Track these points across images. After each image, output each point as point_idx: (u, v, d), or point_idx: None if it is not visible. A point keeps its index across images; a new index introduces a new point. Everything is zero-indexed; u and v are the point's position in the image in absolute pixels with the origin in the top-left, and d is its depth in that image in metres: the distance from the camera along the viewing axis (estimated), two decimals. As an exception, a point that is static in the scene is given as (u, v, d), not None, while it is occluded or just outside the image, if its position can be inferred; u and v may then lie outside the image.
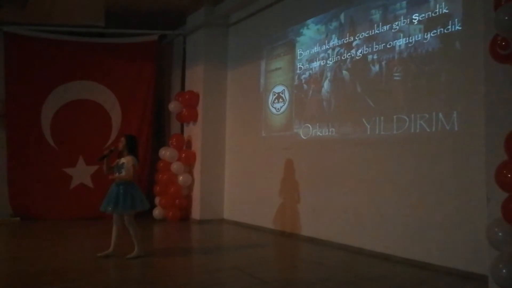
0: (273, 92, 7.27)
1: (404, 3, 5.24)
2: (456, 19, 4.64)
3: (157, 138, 9.18)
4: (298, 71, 6.78)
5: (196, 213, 8.17)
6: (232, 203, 8.12)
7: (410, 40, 5.11)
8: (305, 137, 6.53)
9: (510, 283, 3.20)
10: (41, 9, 7.16)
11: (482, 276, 3.92)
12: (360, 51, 5.74)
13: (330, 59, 6.21)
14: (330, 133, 6.11)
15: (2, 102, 8.12)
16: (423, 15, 4.99)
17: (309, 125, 6.46)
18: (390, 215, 5.12)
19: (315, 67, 6.46)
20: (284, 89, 7.06)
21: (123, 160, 5.04)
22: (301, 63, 6.74)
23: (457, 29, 4.63)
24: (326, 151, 6.14)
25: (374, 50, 5.54)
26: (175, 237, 7.07)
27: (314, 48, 6.49)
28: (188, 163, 8.28)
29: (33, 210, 7.92)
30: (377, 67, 5.49)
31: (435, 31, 4.84)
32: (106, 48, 8.68)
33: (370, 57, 5.59)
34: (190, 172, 8.29)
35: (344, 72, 5.97)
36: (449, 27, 4.70)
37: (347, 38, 5.95)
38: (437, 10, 4.84)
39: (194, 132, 8.42)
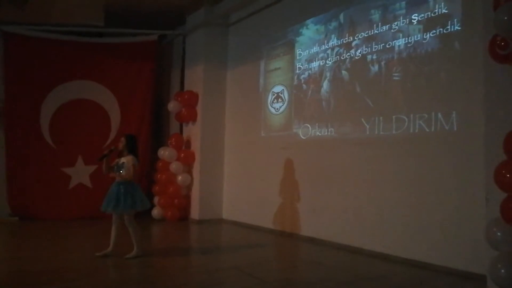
0: (272, 92, 7.27)
1: (403, 3, 5.24)
2: (455, 19, 4.65)
3: (156, 138, 9.17)
4: (297, 71, 6.79)
5: (195, 213, 8.17)
6: (231, 203, 8.12)
7: (410, 40, 5.12)
8: (304, 137, 6.54)
9: (509, 283, 3.20)
10: (41, 8, 7.17)
11: (482, 276, 3.93)
12: (359, 51, 5.74)
13: (329, 59, 6.21)
14: (329, 133, 6.12)
15: (1, 102, 8.09)
16: (423, 15, 4.99)
17: (308, 125, 6.47)
18: (389, 215, 5.13)
19: (314, 67, 6.46)
20: (283, 89, 7.06)
21: (123, 159, 5.04)
22: (300, 63, 6.74)
23: (457, 29, 4.63)
24: (326, 151, 6.14)
25: (374, 50, 5.54)
26: (174, 237, 7.07)
27: (314, 48, 6.50)
28: (187, 163, 8.27)
29: (32, 209, 7.90)
30: (376, 67, 5.50)
31: (434, 31, 4.85)
32: (106, 48, 8.67)
33: (369, 57, 5.59)
34: (189, 172, 8.29)
35: (344, 72, 5.97)
36: (449, 27, 4.71)
37: (347, 38, 5.95)
38: (437, 10, 4.85)
39: (193, 132, 8.42)
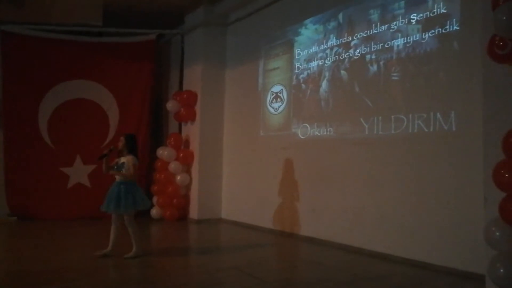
0: (271, 91, 7.27)
1: (402, 3, 5.25)
2: (454, 19, 4.65)
3: (155, 138, 9.16)
4: (296, 71, 6.79)
5: (194, 212, 8.17)
6: (230, 202, 8.12)
7: (408, 40, 5.13)
8: (303, 136, 6.54)
9: (508, 282, 3.21)
10: (40, 8, 7.15)
11: (481, 276, 3.93)
12: (358, 51, 5.75)
13: (328, 58, 6.21)
14: (328, 133, 6.12)
15: (-1, 101, 8.10)
16: (421, 15, 5.00)
17: (307, 125, 6.47)
18: (389, 215, 5.13)
19: (313, 67, 6.46)
20: (282, 89, 7.06)
21: (123, 159, 5.04)
22: (299, 63, 6.74)
23: (455, 29, 4.64)
24: (325, 150, 6.15)
25: (372, 50, 5.55)
26: (174, 237, 7.07)
27: (312, 47, 6.50)
28: (186, 163, 8.27)
29: (31, 209, 7.90)
30: (375, 67, 5.51)
31: (433, 31, 4.86)
32: (104, 48, 8.65)
33: (368, 57, 5.60)
34: (188, 171, 8.29)
35: (342, 72, 5.97)
36: (447, 27, 4.72)
37: (345, 38, 5.96)
38: (435, 10, 4.85)
39: (192, 131, 8.41)
